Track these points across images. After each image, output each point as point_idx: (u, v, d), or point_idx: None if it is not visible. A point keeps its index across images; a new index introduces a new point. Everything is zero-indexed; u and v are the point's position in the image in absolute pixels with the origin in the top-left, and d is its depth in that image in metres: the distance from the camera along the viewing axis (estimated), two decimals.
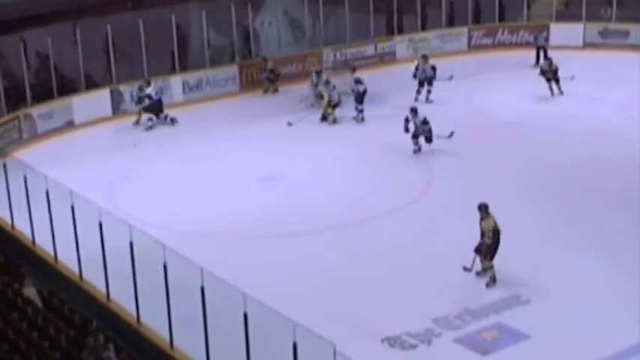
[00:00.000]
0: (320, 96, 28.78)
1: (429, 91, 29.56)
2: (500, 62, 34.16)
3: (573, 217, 20.36)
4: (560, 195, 21.65)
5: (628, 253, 18.13)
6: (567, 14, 36.52)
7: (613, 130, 25.70)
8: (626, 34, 34.68)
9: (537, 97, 29.41)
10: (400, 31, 35.63)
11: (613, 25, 35.03)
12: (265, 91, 31.88)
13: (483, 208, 17.22)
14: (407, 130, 24.47)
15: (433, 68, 29.70)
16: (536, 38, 34.01)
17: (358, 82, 28.36)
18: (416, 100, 28.91)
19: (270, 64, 31.74)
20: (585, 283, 17.22)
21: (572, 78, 28.99)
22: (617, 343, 14.95)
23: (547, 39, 33.83)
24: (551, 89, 29.30)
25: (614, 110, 27.54)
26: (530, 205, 21.03)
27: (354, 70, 29.85)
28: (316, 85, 29.64)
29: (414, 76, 29.63)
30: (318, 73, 30.28)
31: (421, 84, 29.60)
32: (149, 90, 28.41)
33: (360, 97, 28.15)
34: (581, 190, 21.93)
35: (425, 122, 24.26)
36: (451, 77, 29.76)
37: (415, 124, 24.36)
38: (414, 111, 24.42)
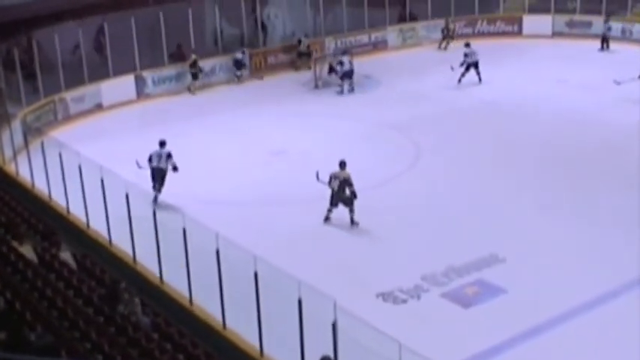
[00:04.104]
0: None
1: (478, 73, 28.85)
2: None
3: (544, 186, 20.35)
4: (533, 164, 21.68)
5: (592, 216, 18.41)
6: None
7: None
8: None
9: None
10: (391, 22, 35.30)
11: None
12: (298, 69, 32.18)
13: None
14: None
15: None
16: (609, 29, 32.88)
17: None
18: (459, 81, 28.70)
19: (306, 43, 32.31)
20: (555, 242, 17.24)
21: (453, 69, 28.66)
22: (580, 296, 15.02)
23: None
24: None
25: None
26: (507, 175, 20.98)
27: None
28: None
29: (461, 64, 28.77)
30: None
31: (467, 69, 28.85)
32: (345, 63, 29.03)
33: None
34: (551, 158, 22.03)
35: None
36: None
37: None
38: None
